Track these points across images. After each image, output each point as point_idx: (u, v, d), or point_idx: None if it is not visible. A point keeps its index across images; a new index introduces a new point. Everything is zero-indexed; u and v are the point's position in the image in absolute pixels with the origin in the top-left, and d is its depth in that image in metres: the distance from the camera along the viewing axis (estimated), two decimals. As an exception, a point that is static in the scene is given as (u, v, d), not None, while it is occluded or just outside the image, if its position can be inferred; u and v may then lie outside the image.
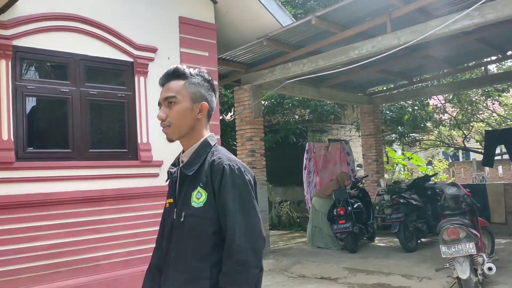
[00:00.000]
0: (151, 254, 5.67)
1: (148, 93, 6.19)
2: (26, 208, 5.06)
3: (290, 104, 12.46)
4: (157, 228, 5.84)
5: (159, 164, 6.21)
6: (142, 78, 6.15)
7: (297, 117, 13.04)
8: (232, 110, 11.83)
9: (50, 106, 5.60)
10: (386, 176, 12.52)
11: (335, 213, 8.05)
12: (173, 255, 1.75)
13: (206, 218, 1.69)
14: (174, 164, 1.92)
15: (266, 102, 12.53)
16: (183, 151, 1.89)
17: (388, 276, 6.09)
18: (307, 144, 10.48)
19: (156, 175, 6.18)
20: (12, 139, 5.06)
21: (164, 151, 6.27)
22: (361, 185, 9.39)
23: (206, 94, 1.85)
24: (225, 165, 1.71)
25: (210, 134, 1.88)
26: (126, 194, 5.83)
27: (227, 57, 7.94)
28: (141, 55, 6.15)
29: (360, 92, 11.18)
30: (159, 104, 1.85)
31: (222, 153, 1.79)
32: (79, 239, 5.42)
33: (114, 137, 6.02)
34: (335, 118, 13.50)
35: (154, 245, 5.66)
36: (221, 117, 9.60)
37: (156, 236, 2.12)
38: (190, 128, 1.82)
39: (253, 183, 1.77)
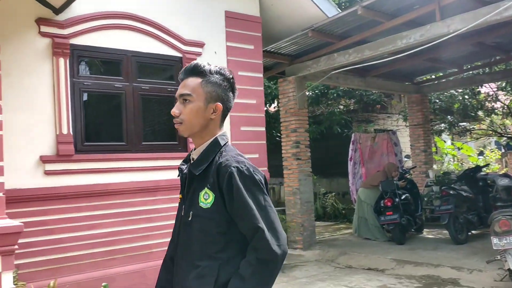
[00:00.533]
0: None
1: (197, 87, 6.36)
2: (85, 198, 5.37)
3: (334, 94, 12.37)
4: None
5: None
6: (190, 73, 6.32)
7: (342, 107, 12.93)
8: (276, 101, 11.90)
9: (105, 101, 5.87)
10: (435, 167, 12.24)
11: (382, 205, 7.98)
12: (180, 251, 1.76)
13: (213, 220, 1.67)
14: (185, 161, 1.88)
15: (310, 93, 12.50)
16: (195, 149, 1.85)
17: (437, 268, 6.02)
18: (352, 134, 10.40)
19: (204, 167, 6.35)
20: (71, 133, 5.36)
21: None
22: (409, 176, 9.24)
23: (223, 95, 1.81)
24: (233, 168, 1.66)
25: (221, 133, 1.83)
26: (177, 185, 6.01)
27: (272, 50, 8.00)
28: (189, 50, 6.33)
29: (407, 81, 10.95)
30: (175, 99, 1.82)
31: (230, 154, 1.73)
32: (134, 227, 5.69)
33: (164, 130, 6.24)
34: (381, 108, 13.28)
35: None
36: (265, 109, 9.67)
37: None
38: (202, 127, 1.78)
39: (263, 182, 1.73)
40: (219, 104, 1.78)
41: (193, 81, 1.77)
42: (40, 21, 5.24)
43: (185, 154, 6.09)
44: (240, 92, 6.50)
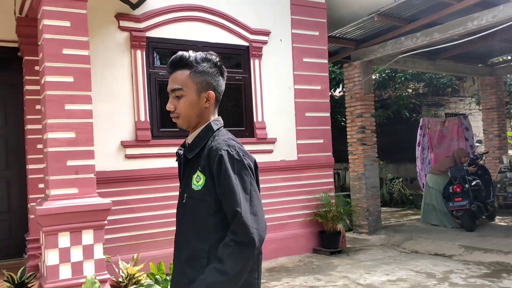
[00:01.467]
0: (267, 224, 6.15)
1: (263, 74, 6.58)
2: (160, 180, 5.79)
3: (402, 78, 12.09)
4: (272, 200, 6.31)
5: (273, 141, 6.60)
6: (257, 61, 6.55)
7: (410, 91, 12.61)
8: (341, 86, 11.85)
9: (177, 90, 6.24)
10: (509, 152, 11.66)
11: (451, 191, 7.82)
12: (177, 231, 1.81)
13: (204, 201, 1.69)
14: (183, 146, 1.90)
15: (377, 76, 12.30)
16: (190, 134, 1.88)
17: (508, 255, 5.87)
18: (421, 119, 10.17)
19: (270, 151, 6.59)
20: (148, 120, 5.79)
21: (278, 128, 6.67)
22: (480, 162, 8.93)
23: (213, 81, 1.81)
24: (223, 151, 1.68)
25: (215, 119, 1.84)
26: (244, 169, 6.31)
27: (337, 35, 8.01)
28: (256, 39, 6.54)
29: (480, 62, 10.47)
30: (168, 93, 1.83)
31: (222, 138, 1.74)
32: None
33: (233, 116, 6.52)
34: (452, 91, 12.80)
35: (269, 216, 6.13)
36: (329, 94, 9.70)
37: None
38: (198, 117, 1.80)
39: (253, 167, 1.74)
40: (211, 92, 1.79)
41: (182, 74, 1.77)
42: (119, 16, 5.67)
43: (252, 140, 6.36)
44: (304, 78, 6.69)
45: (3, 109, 6.13)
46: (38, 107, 5.28)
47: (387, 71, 11.76)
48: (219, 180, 1.65)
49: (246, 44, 6.52)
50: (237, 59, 6.54)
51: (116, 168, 5.49)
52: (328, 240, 6.64)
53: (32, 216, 5.20)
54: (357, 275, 5.42)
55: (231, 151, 1.67)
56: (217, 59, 1.83)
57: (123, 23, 5.69)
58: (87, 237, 3.62)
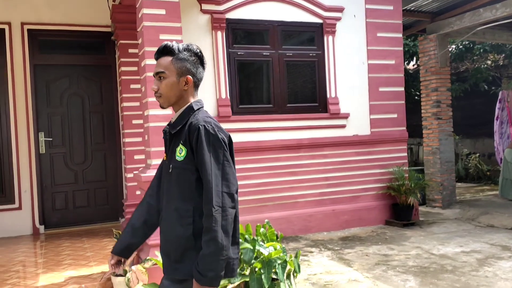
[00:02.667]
0: (340, 196, 6.45)
1: (336, 51, 6.74)
2: (240, 153, 6.20)
3: (481, 50, 11.60)
4: (345, 173, 6.57)
5: (346, 116, 6.79)
6: (330, 38, 6.71)
7: (489, 62, 12.08)
8: (415, 59, 11.62)
9: (254, 68, 6.59)
10: None
11: (531, 166, 7.61)
12: (166, 198, 2.01)
13: (186, 169, 1.93)
14: (168, 124, 2.12)
15: (453, 49, 11.91)
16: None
17: None
18: (500, 92, 9.80)
19: (343, 126, 6.79)
20: (228, 97, 6.20)
21: (351, 104, 6.84)
22: None
23: (192, 68, 2.01)
24: (200, 126, 1.90)
25: (195, 100, 2.06)
26: (318, 143, 6.61)
27: (412, 8, 7.91)
28: (330, 16, 6.69)
29: None
30: (153, 76, 2.06)
31: (200, 116, 1.97)
32: (280, 179, 6.43)
33: (307, 92, 6.78)
34: (536, 62, 12.09)
35: (342, 188, 6.45)
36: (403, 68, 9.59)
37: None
38: (177, 97, 2.02)
39: (227, 141, 1.96)
40: (189, 77, 2.00)
41: (165, 60, 2.00)
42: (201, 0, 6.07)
43: (325, 115, 6.58)
44: (378, 53, 6.80)
45: (99, 89, 6.81)
46: (132, 86, 5.86)
47: (464, 43, 11.35)
48: (196, 151, 1.90)
49: (320, 21, 6.69)
50: (312, 37, 6.74)
51: (200, 141, 5.97)
52: (400, 212, 6.79)
53: (130, 184, 5.85)
54: (430, 246, 5.57)
55: (207, 126, 1.90)
56: (198, 50, 2.06)
57: (205, 6, 6.09)
58: (183, 201, 4.12)
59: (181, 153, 1.94)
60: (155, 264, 3.71)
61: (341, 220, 6.65)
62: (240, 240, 3.95)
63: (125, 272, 3.79)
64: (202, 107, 2.06)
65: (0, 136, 6.27)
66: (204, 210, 1.85)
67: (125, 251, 2.14)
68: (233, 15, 6.25)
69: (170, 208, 1.96)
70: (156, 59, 2.03)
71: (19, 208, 6.28)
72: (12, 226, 6.19)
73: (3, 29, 6.24)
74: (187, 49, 2.02)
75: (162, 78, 2.00)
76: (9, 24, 6.23)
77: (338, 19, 6.75)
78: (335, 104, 6.75)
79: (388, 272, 4.61)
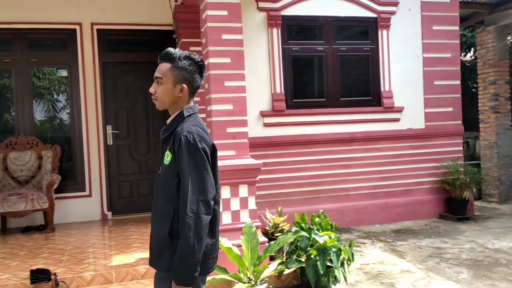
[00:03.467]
0: (393, 189, 6.54)
1: (391, 45, 6.78)
2: (294, 145, 6.43)
3: (545, 40, 11.12)
4: (398, 167, 6.62)
5: (399, 110, 6.83)
6: (384, 32, 6.76)
7: (553, 53, 11.55)
8: (472, 50, 11.31)
9: (309, 63, 6.76)
10: None
11: None
12: (154, 197, 2.12)
13: (170, 173, 2.02)
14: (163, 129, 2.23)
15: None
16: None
17: None
18: None
19: (397, 120, 6.84)
20: (283, 91, 6.41)
21: (405, 98, 6.87)
22: None
23: (189, 77, 2.07)
24: (183, 136, 1.97)
25: (188, 106, 2.12)
26: (371, 136, 6.70)
27: (469, 0, 7.78)
28: (384, 10, 6.74)
29: None
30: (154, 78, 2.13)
31: (187, 125, 2.03)
32: (333, 172, 6.58)
33: (360, 86, 6.87)
34: None
35: (395, 182, 6.53)
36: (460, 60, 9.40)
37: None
38: (171, 103, 2.10)
39: (208, 150, 2.03)
40: (184, 86, 2.07)
41: (165, 66, 2.07)
42: (257, -2, 6.31)
43: (379, 109, 6.66)
44: (434, 46, 6.82)
45: (161, 84, 7.21)
46: (193, 82, 6.18)
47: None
48: (177, 159, 2.00)
49: (374, 15, 6.75)
50: (365, 31, 6.81)
51: (256, 134, 6.23)
52: (455, 206, 6.77)
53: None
54: (485, 240, 5.56)
55: (189, 136, 1.97)
56: (199, 59, 2.12)
57: (262, 4, 6.32)
58: (243, 190, 4.38)
59: (167, 157, 2.04)
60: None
61: (394, 213, 6.73)
62: (296, 228, 4.18)
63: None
64: (195, 113, 2.13)
65: (73, 129, 6.80)
66: (180, 215, 1.96)
67: None
68: (288, 12, 6.44)
69: (156, 206, 2.07)
70: (158, 63, 2.11)
71: (89, 195, 6.80)
72: (83, 212, 6.72)
73: (75, 30, 6.74)
74: (188, 57, 2.08)
75: (159, 83, 2.08)
76: (80, 24, 6.72)
77: (393, 13, 6.78)
78: (389, 97, 6.80)
79: (441, 264, 4.69)
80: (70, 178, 6.76)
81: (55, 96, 6.92)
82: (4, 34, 6.49)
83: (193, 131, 2.00)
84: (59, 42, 6.79)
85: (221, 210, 1.98)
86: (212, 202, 1.99)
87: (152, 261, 2.10)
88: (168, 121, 2.14)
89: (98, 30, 6.81)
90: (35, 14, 6.50)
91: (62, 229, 6.12)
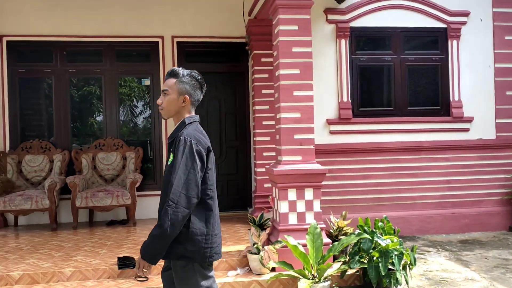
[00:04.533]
0: (461, 199, 6.53)
1: (461, 55, 6.78)
2: (360, 153, 6.60)
3: None
4: (467, 177, 6.61)
5: (469, 120, 6.78)
6: (455, 42, 6.77)
7: None
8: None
9: (376, 73, 6.90)
10: None
11: None
12: (162, 194, 2.38)
13: (171, 172, 2.28)
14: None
15: None
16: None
17: None
18: None
19: (466, 130, 6.80)
20: (350, 100, 6.62)
21: (475, 108, 6.82)
22: None
23: (191, 90, 2.42)
24: (181, 138, 2.30)
25: (190, 116, 2.44)
26: (439, 146, 6.71)
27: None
28: (454, 20, 6.76)
29: None
30: (161, 92, 2.49)
31: (188, 130, 2.35)
32: (399, 180, 6.67)
33: (428, 96, 6.91)
34: None
35: (463, 192, 6.53)
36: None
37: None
38: (175, 112, 2.43)
39: (204, 153, 2.31)
40: (187, 97, 2.41)
41: (171, 81, 2.43)
42: (327, 11, 6.58)
43: (447, 118, 6.67)
44: (506, 56, 6.76)
45: (233, 93, 7.67)
46: (264, 91, 6.57)
47: None
48: (173, 156, 2.32)
49: (444, 26, 6.78)
50: (434, 42, 6.85)
51: (322, 141, 6.47)
52: (527, 220, 6.59)
53: (259, 178, 6.57)
54: (558, 255, 5.42)
55: (186, 139, 2.29)
56: (199, 77, 2.47)
57: (330, 17, 6.59)
58: (308, 193, 4.66)
59: (170, 158, 2.37)
60: (285, 246, 4.31)
61: (461, 223, 6.68)
62: (359, 230, 4.39)
63: (259, 250, 4.45)
64: (195, 121, 2.46)
65: (153, 132, 7.43)
66: (162, 202, 2.28)
67: None
68: (356, 23, 6.65)
69: (162, 201, 2.34)
70: (166, 79, 2.48)
71: (166, 194, 7.39)
72: (160, 209, 7.30)
73: (157, 42, 7.37)
74: (190, 75, 2.45)
75: (166, 94, 2.43)
76: (162, 38, 7.34)
77: (463, 23, 6.77)
78: (458, 107, 6.78)
79: (506, 275, 4.68)
80: (150, 177, 7.37)
81: (135, 102, 7.60)
82: (96, 46, 7.25)
83: (191, 134, 2.32)
84: (143, 53, 7.46)
85: (216, 210, 2.32)
86: (194, 199, 2.25)
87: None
88: (174, 129, 2.49)
89: (178, 42, 7.39)
90: (123, 28, 7.19)
91: (142, 224, 6.72)
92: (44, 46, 7.14)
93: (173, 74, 2.46)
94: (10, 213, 6.52)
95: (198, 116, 2.52)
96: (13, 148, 7.00)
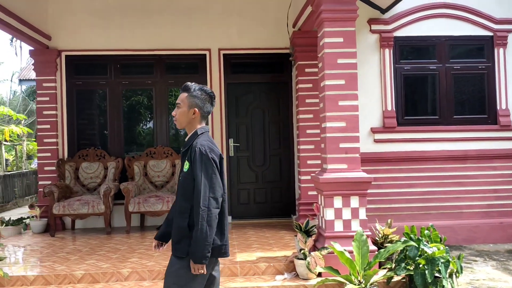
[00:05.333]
0: (510, 209, 6.46)
1: (507, 62, 6.71)
2: (405, 162, 6.63)
3: None
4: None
5: (518, 128, 6.69)
6: (501, 50, 6.71)
7: None
8: None
9: (420, 82, 6.92)
10: None
11: None
12: (176, 198, 2.67)
13: (188, 178, 2.57)
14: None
15: None
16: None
17: None
18: None
19: (514, 138, 6.70)
20: (394, 109, 6.66)
21: (524, 116, 6.69)
22: None
23: (201, 104, 2.66)
24: (197, 148, 2.55)
25: (201, 127, 2.69)
26: (486, 154, 6.64)
27: None
28: (501, 28, 6.71)
29: None
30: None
31: (200, 140, 2.61)
32: (445, 189, 6.64)
33: (474, 104, 6.86)
34: None
35: (510, 201, 6.45)
36: None
37: None
38: (187, 123, 2.68)
39: (217, 159, 2.59)
40: (196, 110, 2.66)
41: (183, 95, 2.67)
42: (370, 21, 6.68)
43: (494, 127, 6.62)
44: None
45: (277, 102, 7.86)
46: (308, 101, 6.72)
47: None
48: (192, 166, 2.56)
49: (490, 34, 6.73)
50: (480, 50, 6.81)
51: (366, 150, 6.54)
52: None
53: (303, 185, 6.71)
54: None
55: (201, 148, 2.55)
56: (209, 91, 2.71)
57: (374, 27, 6.68)
58: (354, 201, 4.76)
59: (186, 166, 2.61)
60: (331, 252, 4.43)
61: (508, 233, 6.57)
62: (405, 238, 4.46)
63: (305, 256, 4.59)
64: (206, 131, 2.72)
65: (200, 141, 7.73)
66: (195, 209, 2.50)
67: (162, 237, 2.84)
68: (400, 33, 6.71)
69: (177, 205, 2.63)
70: (180, 94, 2.73)
71: (212, 201, 7.64)
72: (207, 215, 7.55)
73: (205, 55, 7.68)
74: (201, 89, 2.69)
75: (178, 107, 2.69)
76: (209, 50, 7.64)
77: (510, 31, 6.71)
78: (505, 116, 6.70)
79: (558, 286, 4.60)
80: (197, 185, 7.66)
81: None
82: (147, 59, 7.63)
83: (204, 144, 2.58)
84: (191, 65, 7.79)
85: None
86: (220, 199, 2.54)
87: (173, 248, 2.62)
88: (186, 139, 2.73)
89: (224, 54, 7.67)
90: (172, 42, 7.54)
91: (190, 229, 6.99)
92: (99, 60, 7.60)
93: (185, 89, 2.71)
94: (68, 217, 6.94)
95: (208, 126, 2.86)
96: (71, 156, 7.46)
